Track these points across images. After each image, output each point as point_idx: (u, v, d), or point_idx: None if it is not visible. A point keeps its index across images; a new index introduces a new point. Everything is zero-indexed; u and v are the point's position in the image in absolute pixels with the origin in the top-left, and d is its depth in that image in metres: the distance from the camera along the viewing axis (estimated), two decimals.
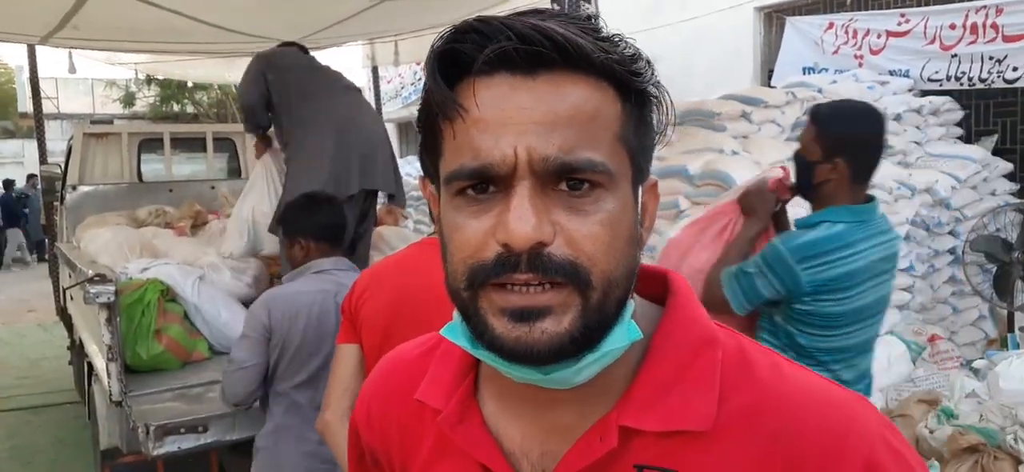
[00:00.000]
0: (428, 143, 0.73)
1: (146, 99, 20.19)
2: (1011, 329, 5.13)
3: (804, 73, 6.99)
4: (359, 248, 4.24)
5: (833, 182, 2.13)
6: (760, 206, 2.31)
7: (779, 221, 2.41)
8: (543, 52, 0.65)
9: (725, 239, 2.36)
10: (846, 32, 6.91)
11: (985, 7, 5.89)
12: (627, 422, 0.71)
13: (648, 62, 0.71)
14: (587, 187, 0.66)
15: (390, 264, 2.05)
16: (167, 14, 4.90)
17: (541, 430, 0.75)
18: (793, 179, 2.32)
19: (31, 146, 16.32)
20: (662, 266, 0.81)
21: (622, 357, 0.72)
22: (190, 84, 17.88)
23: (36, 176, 13.55)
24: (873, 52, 6.69)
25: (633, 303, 0.72)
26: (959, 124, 6.14)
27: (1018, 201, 5.69)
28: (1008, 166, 5.87)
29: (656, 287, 0.80)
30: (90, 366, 4.14)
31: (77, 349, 5.36)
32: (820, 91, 5.73)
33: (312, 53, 4.79)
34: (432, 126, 0.71)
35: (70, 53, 6.86)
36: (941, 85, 6.22)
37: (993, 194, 5.72)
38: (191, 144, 6.80)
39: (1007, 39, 5.81)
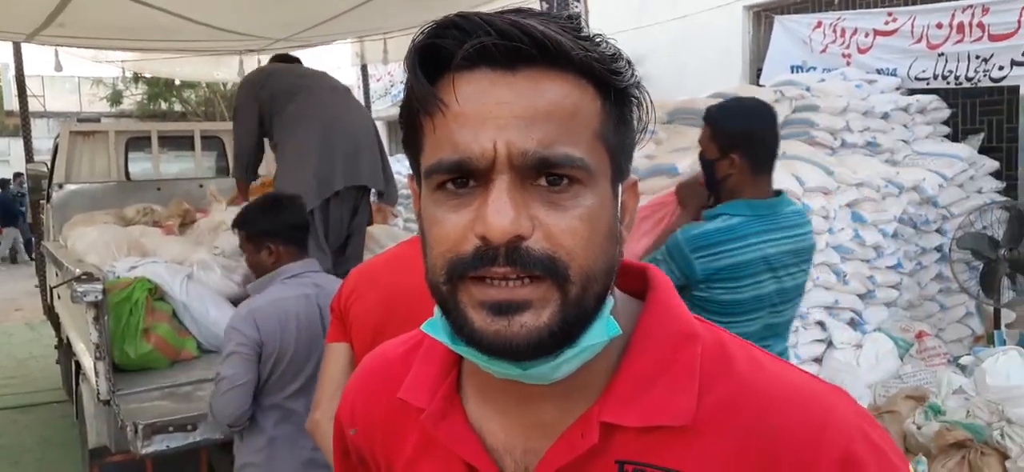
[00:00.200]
0: (409, 139, 0.74)
1: (133, 97, 20.05)
2: (997, 326, 5.16)
3: (792, 72, 7.02)
4: (351, 245, 4.24)
5: (734, 177, 2.23)
6: (691, 199, 2.43)
7: None
8: (522, 48, 0.66)
9: (661, 229, 2.46)
10: (834, 31, 6.94)
11: (971, 6, 5.93)
12: (608, 418, 0.71)
13: (629, 62, 0.72)
14: (566, 183, 0.67)
15: (380, 263, 2.04)
16: (154, 12, 4.87)
17: (524, 426, 0.76)
18: None
19: (17, 144, 16.20)
20: None
21: (603, 352, 0.72)
22: (178, 82, 17.80)
23: (22, 175, 13.49)
24: (861, 51, 6.73)
25: (613, 299, 0.73)
26: (946, 122, 6.18)
27: (1004, 199, 5.73)
28: (994, 164, 5.92)
29: (636, 282, 0.81)
30: (78, 365, 4.12)
31: (65, 348, 5.33)
32: (808, 89, 5.75)
33: (301, 52, 4.78)
34: (413, 122, 0.72)
35: (56, 51, 6.83)
36: (928, 84, 6.25)
37: (979, 192, 5.76)
38: (179, 142, 6.77)
39: (993, 38, 5.85)
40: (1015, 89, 6.09)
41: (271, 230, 2.84)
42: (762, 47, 8.03)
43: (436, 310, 0.73)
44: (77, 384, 4.27)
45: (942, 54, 6.16)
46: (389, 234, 4.89)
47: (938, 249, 5.47)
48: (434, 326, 0.73)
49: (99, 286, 3.33)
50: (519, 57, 0.66)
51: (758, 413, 0.71)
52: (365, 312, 1.88)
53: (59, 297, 5.01)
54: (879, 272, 5.04)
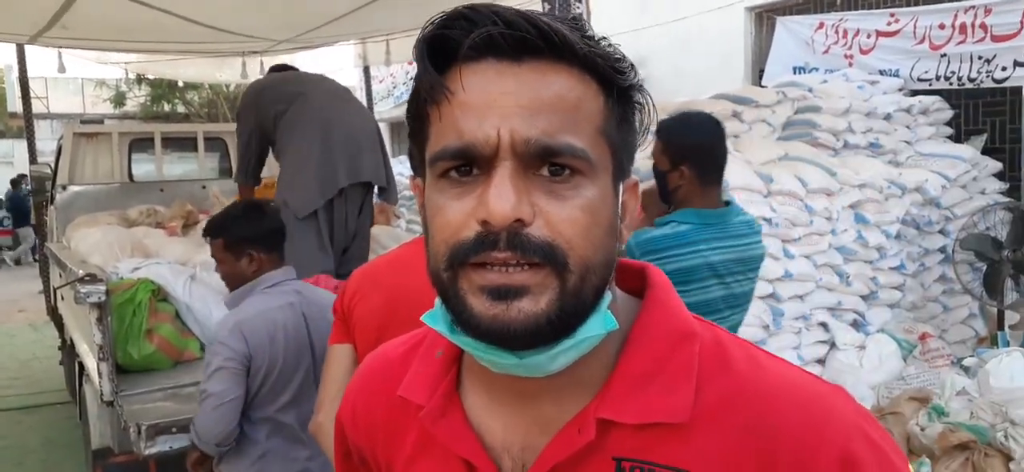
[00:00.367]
0: (416, 131, 0.74)
1: (137, 99, 20.08)
2: (1001, 327, 5.16)
3: (794, 73, 7.02)
4: (355, 245, 4.24)
5: (684, 187, 2.32)
6: (651, 206, 2.48)
7: None
8: (528, 38, 0.67)
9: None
10: (836, 32, 6.93)
11: (974, 7, 5.92)
12: (605, 414, 0.72)
13: (632, 65, 0.73)
14: (568, 173, 0.68)
15: (382, 264, 2.04)
16: (157, 13, 4.88)
17: (522, 423, 0.76)
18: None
19: (21, 146, 16.24)
20: None
21: (600, 350, 0.73)
22: (181, 84, 17.82)
23: (25, 176, 13.49)
24: (863, 52, 6.72)
25: (611, 294, 0.73)
26: (949, 123, 6.18)
27: (1007, 200, 5.72)
28: (997, 165, 5.91)
29: (635, 281, 0.81)
30: (81, 366, 4.12)
31: (68, 349, 5.34)
32: (810, 90, 5.75)
33: (304, 53, 4.79)
34: (420, 113, 0.73)
35: (60, 52, 6.83)
36: (930, 84, 6.25)
37: (982, 193, 5.75)
38: (182, 144, 6.78)
39: (996, 39, 5.85)
40: (1018, 90, 6.09)
41: (254, 236, 2.72)
42: (764, 48, 8.02)
43: (437, 301, 0.73)
44: (80, 385, 4.27)
45: (945, 55, 6.15)
46: (392, 235, 4.89)
47: (941, 250, 5.46)
48: (434, 317, 0.74)
49: (102, 287, 3.34)
50: (525, 48, 0.68)
51: (757, 411, 0.71)
52: (368, 313, 1.88)
53: (63, 298, 5.02)
54: (882, 273, 5.03)
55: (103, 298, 3.33)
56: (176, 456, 3.27)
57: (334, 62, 7.97)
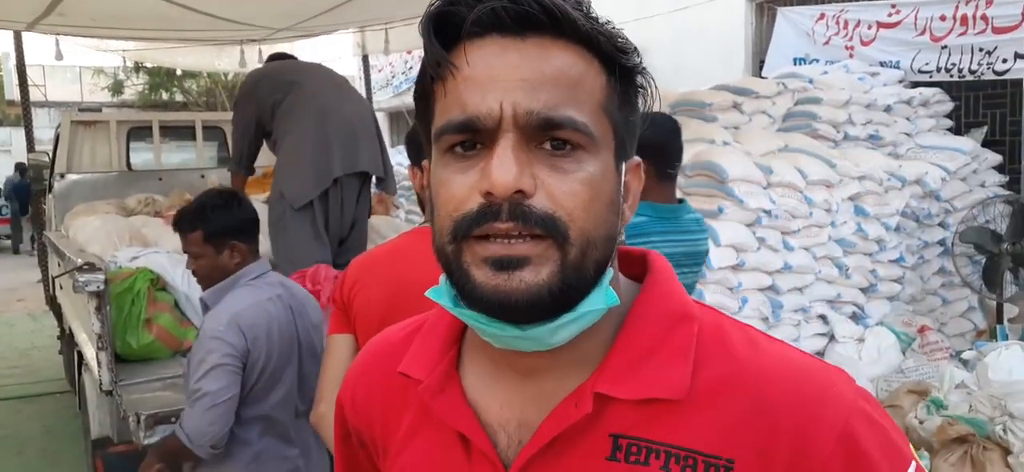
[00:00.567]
0: (422, 110, 0.76)
1: (135, 87, 20.03)
2: (1000, 320, 5.16)
3: (795, 64, 7.01)
4: (354, 234, 4.23)
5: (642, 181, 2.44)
6: None
7: None
8: (531, 14, 0.68)
9: None
10: (837, 23, 6.92)
11: None
12: (602, 389, 0.72)
13: (635, 48, 0.74)
14: (569, 148, 0.69)
15: (382, 253, 2.04)
16: (156, 1, 4.87)
17: (519, 400, 0.77)
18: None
19: (18, 134, 16.18)
20: None
21: (600, 328, 0.74)
22: (179, 72, 17.78)
23: (23, 164, 13.47)
24: (863, 43, 6.71)
25: (612, 270, 0.74)
26: (949, 116, 6.17)
27: (1007, 193, 5.72)
28: (997, 158, 5.91)
29: (637, 268, 0.82)
30: (80, 355, 4.12)
31: (67, 338, 5.34)
32: (811, 82, 5.74)
33: (303, 41, 4.77)
34: (426, 92, 0.74)
35: (57, 40, 6.80)
36: (931, 76, 6.24)
37: (982, 186, 5.75)
38: (180, 132, 6.76)
39: (997, 31, 5.84)
40: (1019, 82, 6.08)
41: (235, 227, 2.59)
42: (764, 39, 8.00)
43: (441, 277, 0.74)
44: (79, 374, 4.27)
45: (945, 47, 6.15)
46: (391, 225, 4.89)
47: (941, 243, 5.46)
48: (438, 292, 0.75)
49: (101, 276, 3.33)
50: (528, 24, 0.69)
51: (756, 391, 0.71)
52: (370, 303, 1.88)
53: (61, 287, 5.01)
54: (881, 266, 5.03)
55: (102, 287, 3.32)
56: None
57: (333, 50, 7.95)
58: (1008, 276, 5.09)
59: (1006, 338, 4.76)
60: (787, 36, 7.36)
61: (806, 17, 7.23)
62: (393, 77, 14.44)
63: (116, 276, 3.79)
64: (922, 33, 6.28)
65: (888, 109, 5.74)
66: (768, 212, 4.40)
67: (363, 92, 8.10)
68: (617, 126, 0.73)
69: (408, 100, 13.36)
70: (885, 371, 4.53)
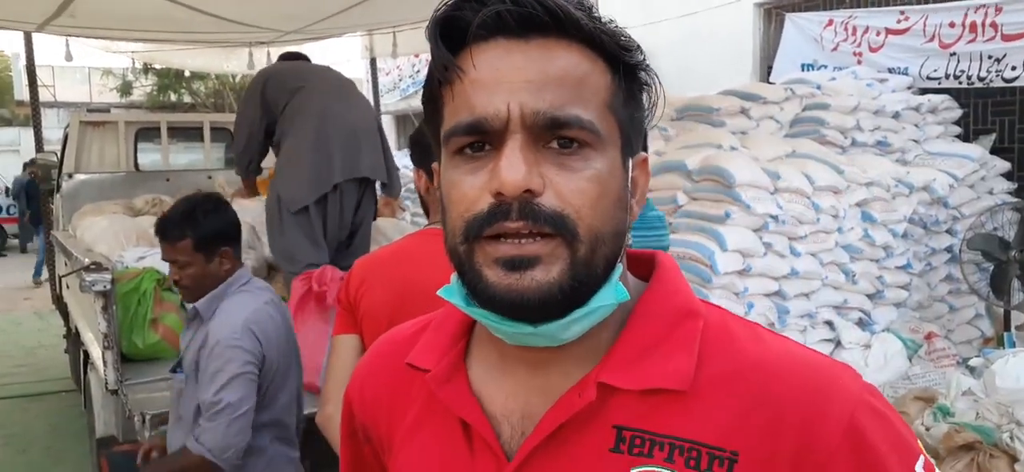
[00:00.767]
0: (431, 114, 0.77)
1: (143, 88, 20.11)
2: (1007, 327, 5.14)
3: (803, 70, 6.99)
4: (358, 239, 4.23)
5: None
6: None
7: None
8: (535, 15, 0.69)
9: None
10: (845, 29, 6.90)
11: (984, 6, 5.89)
12: (605, 379, 0.73)
13: (639, 46, 0.75)
14: (576, 146, 0.70)
15: (387, 254, 2.04)
16: (164, 3, 4.88)
17: (523, 392, 0.78)
18: None
19: (27, 134, 16.24)
20: None
21: (606, 324, 0.75)
22: (187, 73, 17.84)
23: (33, 163, 13.49)
24: (872, 49, 6.69)
25: (622, 266, 0.75)
26: (957, 122, 6.15)
27: (1015, 200, 5.69)
28: (1006, 165, 5.88)
29: (645, 269, 0.83)
30: (86, 354, 4.13)
31: (73, 337, 5.35)
32: (819, 88, 5.73)
33: (311, 45, 4.76)
34: (434, 95, 0.76)
35: (67, 41, 6.83)
36: (940, 83, 6.22)
37: (990, 193, 5.73)
38: (188, 133, 6.78)
39: (1006, 38, 5.81)
40: None
41: (226, 233, 2.51)
42: (772, 45, 7.99)
43: (453, 276, 0.76)
44: (85, 373, 4.28)
45: (954, 54, 6.12)
46: (397, 228, 4.89)
47: (948, 250, 5.44)
48: (450, 291, 0.76)
49: (107, 276, 3.34)
50: (532, 26, 0.70)
51: (761, 385, 0.72)
52: (378, 304, 1.88)
53: (68, 286, 5.03)
54: (888, 272, 5.02)
55: (108, 286, 3.33)
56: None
57: (341, 54, 7.96)
58: (1016, 283, 5.07)
59: (1013, 345, 4.74)
60: (795, 42, 7.35)
61: (814, 23, 7.21)
62: (400, 80, 14.47)
63: (123, 276, 3.80)
64: (931, 40, 6.26)
65: (896, 115, 5.72)
66: (775, 217, 4.39)
67: (371, 95, 8.12)
68: (623, 123, 0.74)
69: (415, 103, 13.37)
70: (892, 378, 4.51)
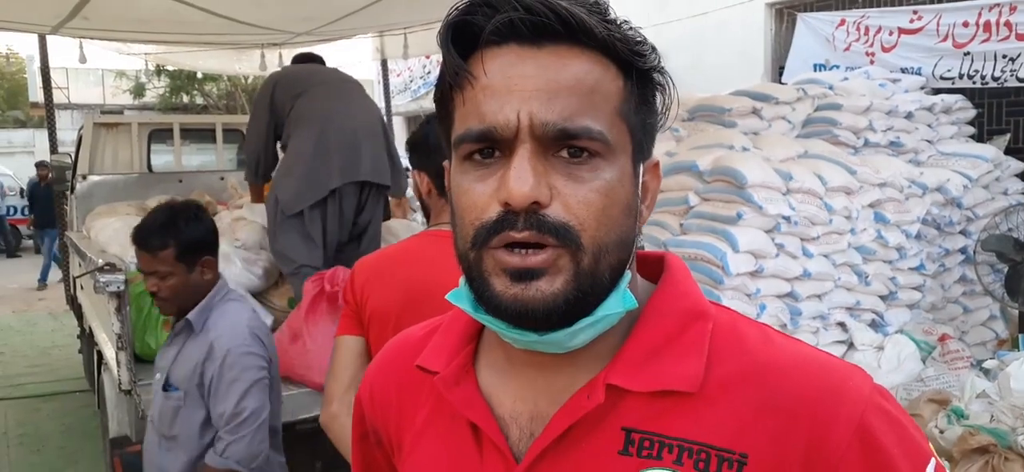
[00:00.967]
0: (442, 117, 0.77)
1: (156, 90, 20.23)
2: (1022, 329, 5.10)
3: (815, 70, 6.95)
4: (367, 239, 4.23)
5: None
6: None
7: None
8: (548, 23, 0.69)
9: None
10: (858, 29, 6.86)
11: (999, 5, 5.84)
12: (614, 381, 0.73)
13: (653, 48, 0.75)
14: (586, 155, 0.70)
15: (391, 254, 2.03)
16: (177, 5, 4.91)
17: (532, 395, 0.78)
18: None
19: (41, 136, 16.38)
20: None
21: (615, 326, 0.75)
22: (200, 75, 17.92)
23: (46, 165, 13.57)
24: (885, 49, 6.65)
25: (630, 273, 0.75)
26: (971, 123, 6.10)
27: None
28: (1020, 165, 5.83)
29: (655, 270, 0.83)
30: (99, 355, 4.15)
31: (87, 338, 5.38)
32: (831, 88, 5.70)
33: (323, 46, 4.76)
34: (445, 99, 0.75)
35: (81, 43, 6.88)
36: (953, 83, 6.17)
37: (1005, 193, 5.68)
38: (201, 135, 6.82)
39: (1020, 37, 5.77)
40: None
41: (207, 241, 2.46)
42: (784, 45, 7.95)
43: (461, 280, 0.76)
44: (99, 374, 4.30)
45: (968, 53, 6.08)
46: (408, 228, 4.89)
47: (962, 251, 5.40)
48: (458, 295, 0.77)
49: (121, 277, 3.36)
50: (545, 33, 0.70)
51: (771, 387, 0.71)
52: (384, 304, 1.88)
53: (82, 287, 5.06)
54: (902, 273, 4.99)
55: (122, 287, 3.35)
56: None
57: (352, 55, 7.98)
58: None
59: None
60: (807, 42, 7.31)
61: (826, 23, 7.17)
62: (411, 81, 14.49)
63: (136, 277, 3.81)
64: (944, 39, 6.22)
65: (909, 116, 5.68)
66: (787, 218, 4.37)
67: (382, 96, 8.13)
68: (634, 129, 0.74)
69: (426, 104, 13.39)
70: (905, 380, 4.48)
